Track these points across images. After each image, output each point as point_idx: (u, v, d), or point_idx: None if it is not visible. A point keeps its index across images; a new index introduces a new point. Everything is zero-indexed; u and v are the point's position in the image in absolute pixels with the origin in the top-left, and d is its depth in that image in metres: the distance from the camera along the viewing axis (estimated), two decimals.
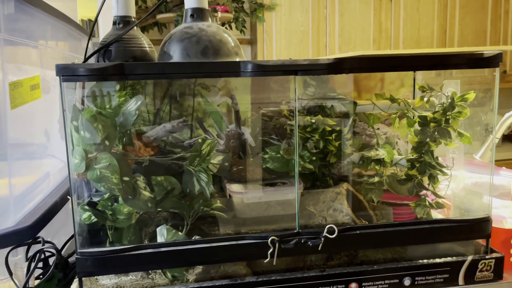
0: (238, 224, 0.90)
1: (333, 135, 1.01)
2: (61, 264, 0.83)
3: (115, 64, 0.71)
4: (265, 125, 1.09)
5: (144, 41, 0.93)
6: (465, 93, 0.92)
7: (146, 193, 0.80)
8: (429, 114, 0.94)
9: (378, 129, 1.11)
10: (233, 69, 0.75)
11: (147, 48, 0.93)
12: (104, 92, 0.76)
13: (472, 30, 3.40)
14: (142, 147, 0.94)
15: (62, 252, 0.90)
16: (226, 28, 2.74)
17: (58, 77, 0.70)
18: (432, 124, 0.91)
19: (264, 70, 0.75)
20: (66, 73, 0.70)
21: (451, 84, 0.98)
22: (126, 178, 0.77)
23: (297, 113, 0.84)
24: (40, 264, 0.86)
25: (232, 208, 0.91)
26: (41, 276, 0.83)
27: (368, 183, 0.99)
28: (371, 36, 3.32)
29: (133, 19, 0.93)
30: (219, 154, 0.94)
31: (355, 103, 1.04)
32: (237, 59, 0.85)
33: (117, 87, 0.78)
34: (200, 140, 0.84)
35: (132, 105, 0.79)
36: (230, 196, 0.91)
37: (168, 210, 0.87)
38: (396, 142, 1.16)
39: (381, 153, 1.01)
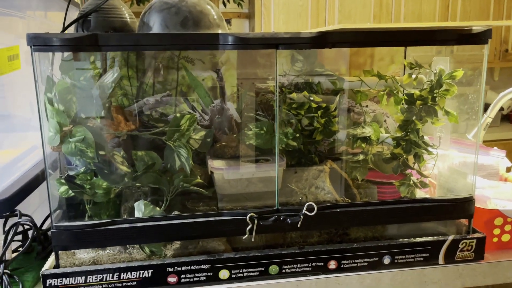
0: (228, 199, 0.89)
1: (319, 112, 0.99)
2: (39, 237, 0.83)
3: (88, 34, 0.69)
4: (251, 100, 1.07)
5: (125, 11, 0.90)
6: (453, 71, 0.89)
7: (123, 168, 0.79)
8: (416, 91, 0.92)
9: (366, 106, 1.09)
10: (212, 42, 0.72)
11: (128, 19, 0.90)
12: (79, 63, 0.74)
13: (475, 5, 3.33)
14: (122, 121, 0.92)
15: (43, 227, 0.90)
16: (224, 1, 2.69)
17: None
18: (418, 102, 0.89)
19: (243, 43, 0.73)
20: (38, 42, 0.68)
21: (440, 61, 0.95)
22: (102, 152, 0.75)
23: (277, 89, 0.82)
24: (20, 237, 0.85)
25: (213, 184, 0.90)
26: (20, 249, 0.82)
27: (353, 161, 0.98)
28: (371, 11, 3.25)
29: None
30: (201, 129, 0.93)
31: (342, 80, 1.01)
32: (219, 31, 0.82)
33: (92, 58, 0.76)
34: (178, 115, 0.82)
35: (109, 77, 0.77)
36: (211, 172, 0.90)
37: (148, 185, 0.86)
38: (385, 120, 1.14)
39: (368, 131, 0.99)
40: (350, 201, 0.93)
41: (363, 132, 0.99)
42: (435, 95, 0.90)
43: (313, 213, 0.79)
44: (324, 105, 1.00)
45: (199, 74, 1.02)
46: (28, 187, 0.88)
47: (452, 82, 0.89)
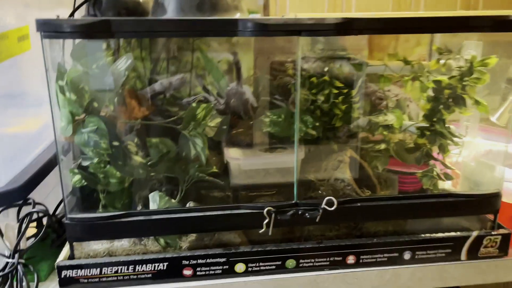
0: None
1: (340, 98, 0.95)
2: (53, 226, 0.82)
3: (101, 19, 0.65)
4: (268, 84, 1.03)
5: None
6: (485, 57, 0.84)
7: (138, 158, 0.77)
8: (444, 78, 0.87)
9: (389, 90, 1.04)
10: (230, 28, 0.68)
11: None
12: (91, 49, 0.70)
13: None
14: (136, 106, 0.89)
15: (57, 212, 0.89)
16: None
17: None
18: (446, 91, 0.85)
19: (264, 29, 0.68)
20: (48, 29, 0.64)
21: (471, 45, 0.90)
22: (115, 143, 0.73)
23: (299, 78, 0.78)
24: (34, 224, 0.84)
25: (229, 174, 0.87)
26: (33, 238, 0.81)
27: (374, 150, 0.94)
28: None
29: None
30: (217, 116, 0.89)
31: (365, 64, 0.96)
32: (237, 14, 0.78)
33: (104, 45, 0.72)
34: (194, 104, 0.79)
35: (122, 64, 0.73)
36: (227, 161, 0.87)
37: (163, 175, 0.84)
38: (408, 105, 1.09)
39: (390, 118, 0.95)
40: (370, 192, 0.90)
41: (385, 119, 0.95)
42: (465, 83, 0.85)
43: (333, 208, 0.76)
44: (345, 90, 0.96)
45: (214, 55, 0.98)
46: (41, 173, 0.86)
47: (484, 70, 0.84)
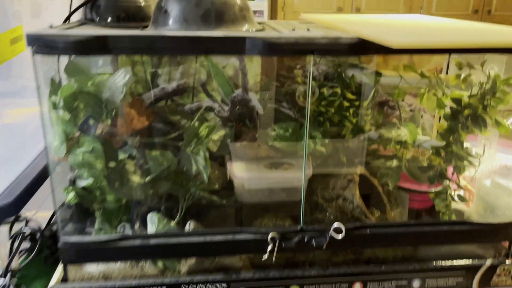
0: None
1: (351, 110, 0.90)
2: (47, 243, 0.78)
3: (97, 36, 0.60)
4: (276, 91, 0.97)
5: None
6: (510, 76, 0.78)
7: (136, 178, 0.72)
8: (462, 94, 0.81)
9: (402, 100, 0.99)
10: (237, 47, 0.63)
11: (142, 3, 0.80)
12: (86, 65, 0.65)
13: None
14: (135, 116, 0.85)
15: (51, 223, 0.85)
16: None
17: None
18: (466, 111, 0.79)
19: (274, 49, 0.63)
20: (39, 44, 0.59)
21: (494, 60, 0.84)
22: (112, 164, 0.69)
23: (309, 95, 0.73)
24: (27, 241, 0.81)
25: (232, 186, 0.83)
26: (25, 253, 0.78)
27: (385, 167, 0.89)
28: None
29: None
30: (220, 128, 0.85)
31: (379, 74, 0.91)
32: (245, 26, 0.72)
33: (101, 60, 0.67)
34: (196, 124, 0.74)
35: (120, 78, 0.68)
36: (230, 177, 0.83)
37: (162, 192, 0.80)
38: (422, 116, 1.04)
39: (403, 133, 0.90)
40: (379, 212, 0.86)
41: (398, 134, 0.90)
42: (486, 102, 0.79)
43: (340, 236, 0.72)
44: (357, 103, 0.90)
45: (219, 60, 0.93)
46: (33, 185, 0.83)
47: (508, 89, 0.79)
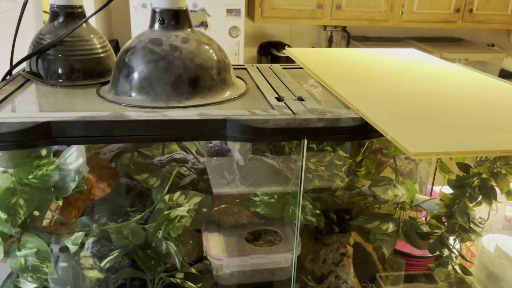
0: None
1: (343, 169, 0.80)
2: None
3: (37, 124, 0.47)
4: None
5: (97, 41, 0.66)
6: None
7: (94, 274, 0.61)
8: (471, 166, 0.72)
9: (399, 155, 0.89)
10: (215, 131, 0.51)
11: (101, 54, 0.66)
12: (25, 156, 0.52)
13: None
14: (94, 183, 0.72)
15: None
16: None
17: None
18: (475, 182, 0.70)
19: (260, 134, 0.52)
20: None
21: None
22: (63, 264, 0.57)
23: (302, 178, 0.62)
24: None
25: (210, 271, 0.72)
26: None
27: (381, 233, 0.80)
28: None
29: (79, 11, 0.66)
30: (196, 194, 0.73)
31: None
32: (226, 92, 0.60)
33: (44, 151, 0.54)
34: (166, 213, 0.62)
35: (71, 159, 0.56)
36: (206, 255, 0.72)
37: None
38: (416, 165, 0.95)
39: (400, 193, 0.81)
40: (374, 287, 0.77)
41: (395, 195, 0.80)
42: (496, 170, 0.70)
43: None
44: (350, 160, 0.80)
45: None
46: None
47: None
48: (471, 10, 3.07)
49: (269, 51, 2.97)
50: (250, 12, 2.89)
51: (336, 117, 0.53)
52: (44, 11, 1.34)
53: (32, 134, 0.47)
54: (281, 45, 2.98)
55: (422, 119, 0.53)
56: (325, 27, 3.08)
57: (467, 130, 0.48)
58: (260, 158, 0.86)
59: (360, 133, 0.54)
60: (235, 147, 0.87)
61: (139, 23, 2.41)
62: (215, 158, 0.85)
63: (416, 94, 0.64)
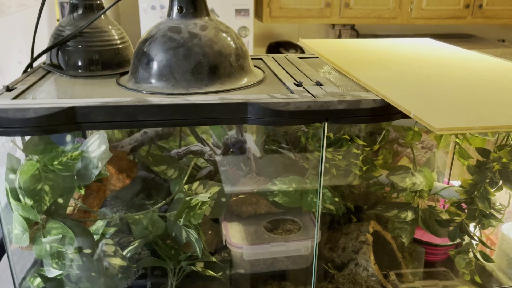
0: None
1: (360, 158, 0.80)
2: None
3: (62, 109, 0.48)
4: (274, 131, 0.87)
5: (115, 33, 0.67)
6: None
7: (117, 261, 0.61)
8: (491, 151, 0.72)
9: (417, 143, 0.89)
10: (236, 115, 0.52)
11: (119, 44, 0.67)
12: (50, 143, 0.53)
13: None
14: (114, 174, 0.73)
15: None
16: None
17: None
18: (496, 166, 0.70)
19: (281, 117, 0.52)
20: None
21: None
22: (87, 251, 0.57)
23: (322, 165, 0.62)
24: None
25: (230, 259, 0.72)
26: None
27: (400, 221, 0.80)
28: None
29: (98, 3, 0.66)
30: (214, 183, 0.74)
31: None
32: (244, 79, 0.60)
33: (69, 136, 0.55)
34: (187, 199, 0.63)
35: (94, 147, 0.56)
36: (226, 243, 0.72)
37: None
38: (433, 153, 0.94)
39: (419, 181, 0.80)
40: (395, 276, 0.77)
41: (413, 183, 0.80)
42: None
43: None
44: (367, 149, 0.80)
45: None
46: None
47: None
48: (480, 6, 3.05)
49: (278, 51, 2.97)
50: (258, 12, 2.89)
51: (356, 99, 0.53)
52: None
53: (57, 119, 0.48)
54: (289, 45, 2.98)
55: (443, 99, 0.52)
56: (333, 25, 3.08)
57: (490, 107, 0.48)
58: (276, 149, 0.86)
59: (381, 114, 0.54)
60: (251, 138, 0.87)
61: (149, 25, 2.43)
62: (231, 150, 0.85)
63: (435, 78, 0.63)
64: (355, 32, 3.10)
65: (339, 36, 3.13)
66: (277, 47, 3.02)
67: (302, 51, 2.93)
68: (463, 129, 0.42)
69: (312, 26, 3.22)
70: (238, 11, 2.55)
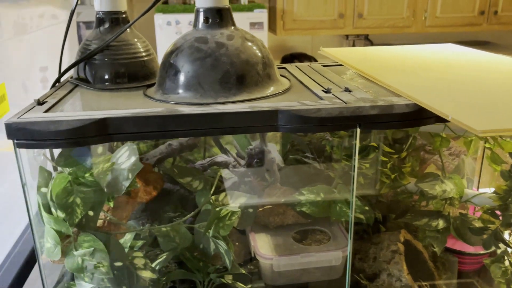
0: None
1: (388, 165, 0.78)
2: None
3: (94, 121, 0.48)
4: (298, 140, 0.86)
5: (140, 45, 0.68)
6: None
7: (147, 274, 0.60)
8: None
9: (445, 149, 0.87)
10: (266, 123, 0.51)
11: (145, 57, 0.68)
12: (82, 155, 0.53)
13: None
14: (141, 186, 0.73)
15: None
16: None
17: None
18: None
19: (313, 124, 0.51)
20: (22, 138, 0.47)
21: None
22: (119, 264, 0.57)
23: (355, 172, 0.61)
24: None
25: (258, 270, 0.71)
26: None
27: (431, 230, 0.78)
28: None
29: (123, 16, 0.67)
30: (241, 194, 0.73)
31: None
32: (271, 87, 0.60)
33: (101, 148, 0.55)
34: (217, 209, 0.62)
35: (123, 158, 0.56)
36: (255, 255, 0.71)
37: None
38: (462, 159, 0.92)
39: (449, 188, 0.79)
40: (428, 286, 0.75)
41: (443, 190, 0.78)
42: None
43: None
44: (395, 156, 0.79)
45: None
46: (23, 272, 0.71)
47: None
48: (496, 12, 3.03)
49: (292, 63, 2.97)
50: (271, 26, 2.91)
51: (389, 104, 0.52)
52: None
53: (90, 130, 0.48)
54: (304, 57, 2.99)
55: (478, 101, 0.51)
56: (347, 36, 3.08)
57: None
58: (301, 158, 0.85)
59: (414, 119, 0.53)
60: (275, 148, 0.87)
61: (165, 41, 2.46)
62: (255, 160, 0.84)
63: (464, 82, 0.62)
64: (369, 42, 3.09)
65: (353, 47, 3.13)
66: (291, 59, 3.02)
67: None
68: (505, 131, 0.41)
69: (325, 37, 3.23)
70: (252, 24, 2.57)
